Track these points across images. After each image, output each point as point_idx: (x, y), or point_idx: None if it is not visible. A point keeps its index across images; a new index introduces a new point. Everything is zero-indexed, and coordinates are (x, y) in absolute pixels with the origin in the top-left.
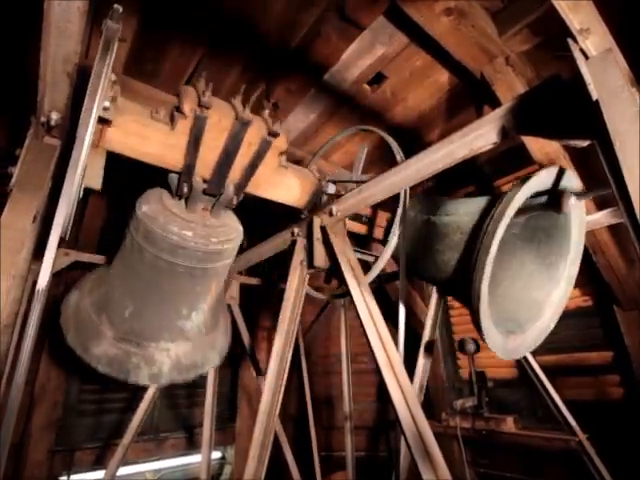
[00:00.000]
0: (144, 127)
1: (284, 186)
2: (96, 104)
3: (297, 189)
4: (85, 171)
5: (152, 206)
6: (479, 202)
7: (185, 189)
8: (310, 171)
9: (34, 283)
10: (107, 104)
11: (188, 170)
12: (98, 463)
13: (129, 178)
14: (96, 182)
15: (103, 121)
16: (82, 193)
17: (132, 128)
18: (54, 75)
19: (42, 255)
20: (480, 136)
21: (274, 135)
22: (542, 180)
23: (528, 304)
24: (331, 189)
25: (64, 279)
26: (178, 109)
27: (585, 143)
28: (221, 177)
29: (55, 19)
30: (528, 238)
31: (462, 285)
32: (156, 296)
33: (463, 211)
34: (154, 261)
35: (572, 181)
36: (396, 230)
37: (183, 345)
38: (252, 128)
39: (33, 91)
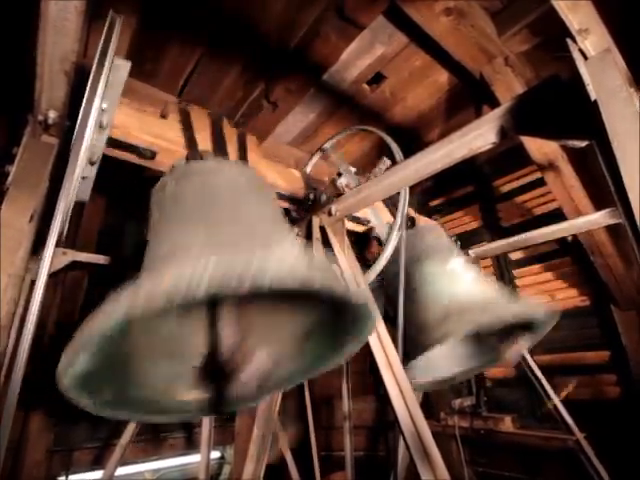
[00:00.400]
0: (140, 113)
1: (276, 173)
2: (97, 100)
3: (287, 177)
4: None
5: (171, 171)
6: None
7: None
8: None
9: (32, 283)
10: (105, 106)
11: (193, 142)
12: (97, 463)
13: (128, 178)
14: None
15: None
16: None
17: (131, 112)
18: (51, 73)
19: (39, 254)
20: (479, 136)
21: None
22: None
23: None
24: (342, 181)
25: (62, 280)
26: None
27: (583, 143)
28: (223, 153)
29: (52, 17)
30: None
31: None
32: (229, 215)
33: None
34: (200, 189)
35: None
36: (396, 230)
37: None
38: (226, 126)
39: (30, 89)
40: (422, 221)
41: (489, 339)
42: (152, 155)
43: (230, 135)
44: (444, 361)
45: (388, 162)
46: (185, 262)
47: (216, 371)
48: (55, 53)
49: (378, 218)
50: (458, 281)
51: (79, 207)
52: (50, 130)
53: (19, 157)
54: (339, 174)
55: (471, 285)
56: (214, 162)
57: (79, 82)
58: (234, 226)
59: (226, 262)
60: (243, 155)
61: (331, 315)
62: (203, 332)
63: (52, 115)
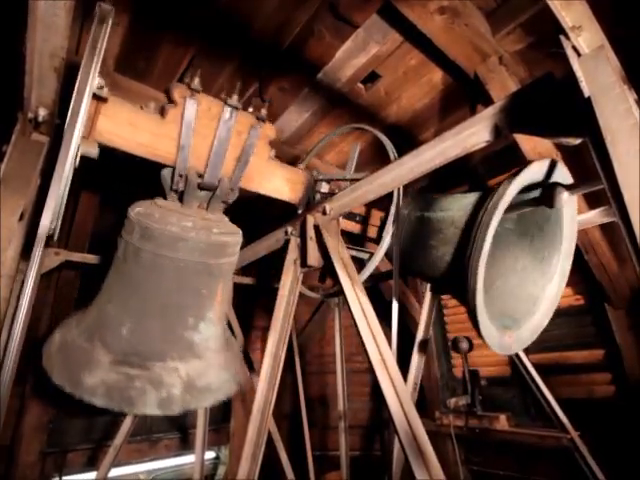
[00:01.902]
0: (135, 115)
1: (276, 179)
2: (87, 91)
3: (289, 183)
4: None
5: (145, 207)
6: (472, 197)
7: (180, 182)
8: (299, 168)
9: (23, 283)
10: (100, 81)
11: (182, 158)
12: (90, 464)
13: (121, 178)
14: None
15: (98, 98)
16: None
17: (123, 117)
18: (41, 70)
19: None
20: (473, 134)
21: (262, 120)
22: (534, 173)
23: (523, 299)
24: (324, 188)
25: (55, 280)
26: (169, 99)
27: (577, 141)
28: (215, 168)
29: (41, 13)
30: (521, 233)
31: (457, 281)
32: (157, 304)
33: (456, 206)
34: (153, 260)
35: (564, 175)
36: (389, 228)
37: (193, 363)
38: (240, 117)
39: (20, 86)
40: None
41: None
42: (142, 158)
43: (241, 128)
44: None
45: (358, 147)
46: (98, 373)
47: None
48: (44, 49)
49: None
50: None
51: (72, 206)
52: (40, 128)
53: (8, 155)
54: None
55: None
56: (176, 233)
57: (71, 80)
58: (156, 323)
59: (111, 400)
60: (245, 158)
61: None
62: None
63: (42, 113)
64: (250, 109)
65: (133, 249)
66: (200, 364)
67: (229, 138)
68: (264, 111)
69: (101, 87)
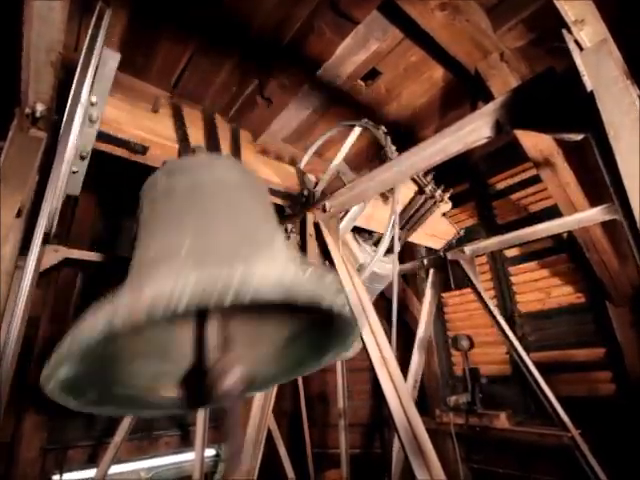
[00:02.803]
0: (132, 107)
1: (270, 168)
2: (84, 93)
3: (282, 173)
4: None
5: (161, 168)
6: None
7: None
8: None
9: (22, 280)
10: (94, 99)
11: (184, 137)
12: (91, 461)
13: (120, 175)
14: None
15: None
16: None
17: (122, 105)
18: (37, 65)
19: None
20: (474, 131)
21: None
22: None
23: None
24: (320, 186)
25: (55, 278)
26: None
27: (579, 137)
28: (216, 148)
29: (37, 6)
30: None
31: None
32: (215, 213)
33: None
34: (190, 187)
35: None
36: (389, 228)
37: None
38: (219, 120)
39: (17, 81)
40: None
41: None
42: (143, 150)
43: (223, 130)
44: None
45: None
46: (167, 275)
47: (201, 373)
48: (40, 43)
49: None
50: None
51: (72, 204)
52: (38, 124)
53: (6, 151)
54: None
55: None
56: (205, 157)
57: (69, 76)
58: (222, 229)
59: (206, 279)
60: (236, 150)
61: (317, 322)
62: (188, 334)
63: (40, 108)
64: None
65: (163, 191)
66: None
67: (217, 130)
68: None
69: (93, 104)
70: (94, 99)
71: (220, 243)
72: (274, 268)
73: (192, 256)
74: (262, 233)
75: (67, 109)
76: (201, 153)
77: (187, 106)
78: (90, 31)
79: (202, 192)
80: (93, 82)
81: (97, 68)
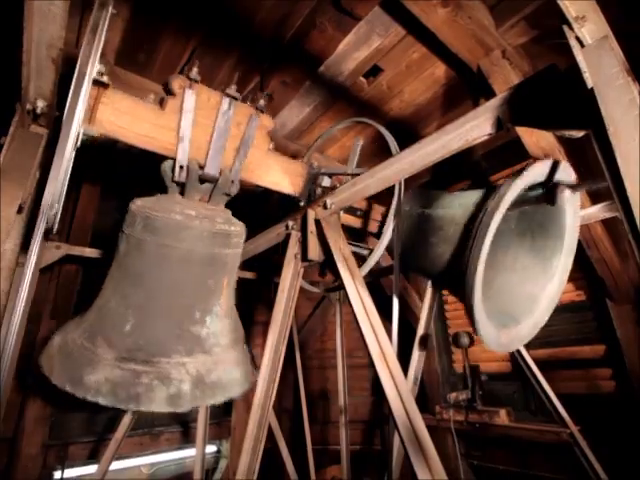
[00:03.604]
0: (135, 106)
1: (276, 171)
2: (87, 76)
3: (288, 175)
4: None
5: (147, 200)
6: (474, 195)
7: (181, 174)
8: (299, 161)
9: (23, 275)
10: (101, 67)
11: (182, 149)
12: (92, 457)
13: (121, 173)
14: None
15: (99, 84)
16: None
17: (123, 106)
18: (38, 61)
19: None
20: (475, 127)
21: (261, 111)
22: (537, 172)
23: (523, 298)
24: (326, 182)
25: (56, 274)
26: (167, 92)
27: (580, 134)
28: (216, 159)
29: (37, 2)
30: (522, 231)
31: (456, 278)
32: (162, 298)
33: (458, 203)
34: (156, 251)
35: (566, 173)
36: (390, 223)
37: (201, 358)
38: (239, 107)
39: (18, 77)
40: None
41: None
42: (142, 149)
43: (240, 119)
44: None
45: (360, 141)
46: (100, 370)
47: None
48: (41, 39)
49: None
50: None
51: (73, 201)
52: (39, 120)
53: (7, 147)
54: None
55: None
56: (181, 221)
57: (70, 73)
58: (161, 318)
59: (115, 398)
60: (244, 149)
61: None
62: None
63: (40, 104)
64: (248, 101)
65: (135, 242)
66: (209, 359)
67: (228, 129)
68: (262, 102)
69: (101, 74)
70: (100, 68)
71: (154, 336)
72: (174, 386)
73: (128, 340)
74: (198, 323)
75: (67, 105)
76: (194, 172)
77: (200, 94)
78: (90, 26)
79: (165, 263)
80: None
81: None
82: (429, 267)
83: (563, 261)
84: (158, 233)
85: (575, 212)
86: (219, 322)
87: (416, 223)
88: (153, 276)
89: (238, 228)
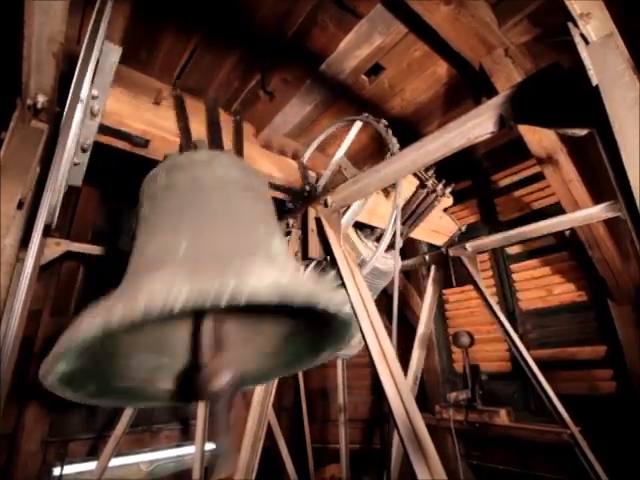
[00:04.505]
0: (135, 100)
1: (269, 165)
2: (85, 85)
3: (280, 168)
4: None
5: (162, 163)
6: None
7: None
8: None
9: (22, 271)
10: (95, 93)
11: (186, 131)
12: (92, 454)
13: (122, 168)
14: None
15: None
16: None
17: (124, 99)
18: (39, 55)
19: None
20: (477, 125)
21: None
22: None
23: None
24: (322, 181)
25: (57, 271)
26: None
27: (584, 132)
28: (218, 142)
29: None
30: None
31: None
32: (215, 214)
33: None
34: (191, 184)
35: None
36: (391, 223)
37: (283, 273)
38: (222, 113)
39: (19, 72)
40: None
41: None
42: (145, 143)
43: (226, 123)
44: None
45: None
46: (163, 280)
47: (195, 371)
48: (42, 34)
49: None
50: None
51: (73, 197)
52: (40, 115)
53: (7, 142)
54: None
55: None
56: (205, 153)
57: (71, 68)
58: (219, 231)
59: (199, 288)
60: (239, 144)
61: (315, 321)
62: (186, 330)
63: (41, 99)
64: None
65: (163, 187)
66: (295, 274)
67: (220, 122)
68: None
69: (95, 97)
70: (95, 92)
71: (216, 247)
72: (269, 274)
73: (188, 261)
74: (260, 234)
75: (68, 101)
76: (202, 148)
77: (189, 99)
78: (91, 23)
79: (201, 190)
80: (94, 75)
81: (98, 61)
82: None
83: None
84: (187, 169)
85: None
86: (285, 248)
87: None
88: (195, 203)
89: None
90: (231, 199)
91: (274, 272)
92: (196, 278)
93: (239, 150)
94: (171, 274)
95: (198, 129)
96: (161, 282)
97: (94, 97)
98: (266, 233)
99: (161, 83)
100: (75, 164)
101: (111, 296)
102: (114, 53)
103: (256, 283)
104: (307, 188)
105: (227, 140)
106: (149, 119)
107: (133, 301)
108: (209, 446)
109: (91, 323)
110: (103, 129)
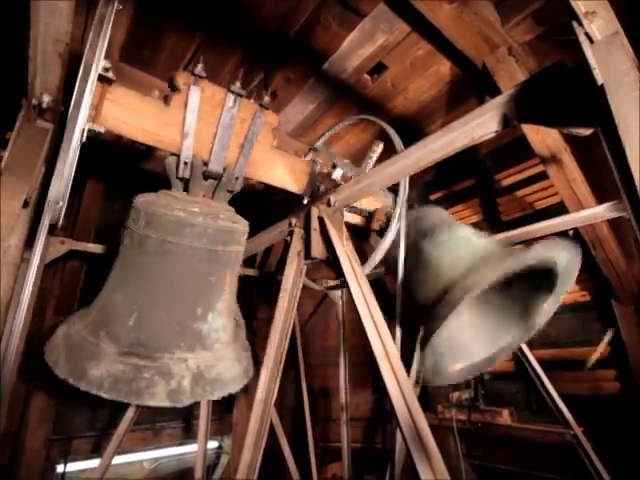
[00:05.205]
0: (140, 102)
1: (280, 168)
2: (93, 71)
3: (292, 173)
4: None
5: (151, 196)
6: (472, 241)
7: (185, 170)
8: (303, 159)
9: (27, 270)
10: (106, 63)
11: (187, 145)
12: (95, 451)
13: (126, 169)
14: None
15: (104, 80)
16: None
17: (128, 103)
18: (45, 55)
19: None
20: (481, 124)
21: (265, 107)
22: (539, 254)
23: (463, 348)
24: (337, 173)
25: (61, 270)
26: (172, 88)
27: (588, 131)
28: (220, 155)
29: None
30: (507, 293)
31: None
32: (165, 293)
33: (455, 240)
34: (159, 247)
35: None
36: (395, 222)
37: (202, 354)
38: (243, 104)
39: (24, 72)
40: None
41: (513, 307)
42: (146, 148)
43: (244, 116)
44: (472, 342)
45: (381, 145)
46: (103, 370)
47: None
48: (48, 34)
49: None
50: (470, 245)
51: (78, 196)
52: (45, 115)
53: (12, 141)
54: (334, 166)
55: (484, 245)
56: (183, 218)
57: (76, 69)
58: (165, 310)
59: (119, 393)
60: (249, 146)
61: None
62: None
63: (46, 99)
64: (252, 99)
65: (139, 238)
66: (210, 356)
67: (233, 125)
68: (267, 98)
69: (106, 69)
70: (106, 64)
71: (156, 327)
72: (190, 367)
73: (131, 335)
74: (200, 319)
75: (73, 101)
76: (197, 168)
77: (209, 87)
78: (95, 22)
79: (168, 259)
80: (94, 86)
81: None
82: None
83: (543, 318)
84: (161, 229)
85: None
86: (220, 318)
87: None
88: (156, 272)
89: (241, 225)
90: (189, 272)
91: (187, 368)
92: (116, 386)
93: (245, 157)
94: (105, 374)
95: (205, 133)
96: (98, 378)
97: (106, 69)
98: (204, 311)
99: (164, 82)
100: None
101: (81, 323)
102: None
103: (156, 396)
104: (309, 187)
105: (235, 145)
106: (150, 128)
107: (80, 381)
108: (211, 444)
109: (60, 372)
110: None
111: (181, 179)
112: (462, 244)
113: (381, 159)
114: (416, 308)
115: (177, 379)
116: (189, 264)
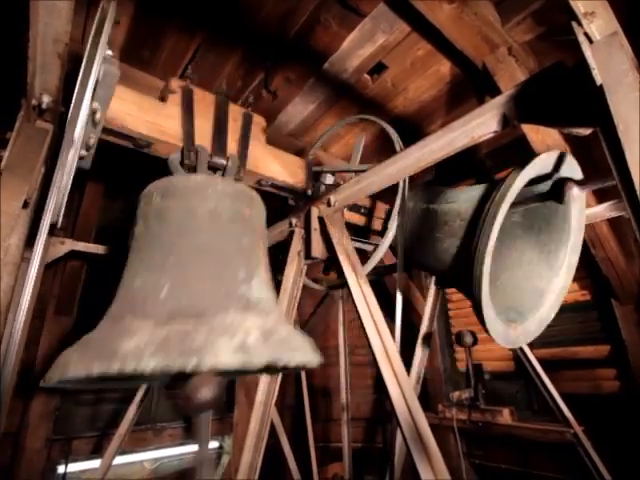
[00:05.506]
0: (139, 98)
1: (277, 164)
2: (88, 92)
3: (289, 167)
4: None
5: (159, 180)
6: (479, 189)
7: (191, 156)
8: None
9: (27, 271)
10: (109, 52)
11: (189, 134)
12: (96, 452)
13: (127, 167)
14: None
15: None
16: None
17: (128, 97)
18: (44, 56)
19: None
20: (481, 124)
21: (249, 109)
22: (542, 165)
23: (529, 292)
24: (329, 180)
25: (61, 270)
26: (168, 92)
27: (588, 131)
28: (221, 146)
29: None
30: (528, 226)
31: (462, 273)
32: (199, 255)
33: (463, 198)
34: (181, 213)
35: (573, 168)
36: (394, 221)
37: (260, 319)
38: (232, 106)
39: (24, 72)
40: None
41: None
42: (148, 145)
43: (235, 118)
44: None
45: (363, 138)
46: (139, 341)
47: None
48: (47, 34)
49: None
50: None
51: (78, 196)
52: (44, 115)
53: (12, 142)
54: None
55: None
56: (200, 180)
57: (76, 68)
58: (201, 274)
59: (165, 361)
60: (244, 144)
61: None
62: None
63: (46, 100)
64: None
65: (156, 212)
66: (268, 321)
67: (227, 121)
68: (251, 99)
69: (112, 55)
70: (96, 105)
71: (195, 294)
72: (240, 332)
73: (165, 313)
74: (239, 279)
75: (72, 103)
76: (203, 156)
77: (199, 90)
78: (95, 25)
79: (191, 223)
80: (95, 88)
81: (99, 74)
82: (435, 263)
83: (569, 257)
84: (180, 195)
85: (581, 209)
86: (265, 288)
87: (420, 219)
88: (183, 239)
89: (258, 196)
90: (219, 234)
91: (247, 327)
92: (165, 349)
93: (244, 151)
94: (145, 341)
95: (203, 127)
96: (135, 348)
97: (94, 111)
98: (247, 276)
99: (164, 82)
100: (80, 158)
101: (100, 327)
102: (114, 73)
103: (221, 352)
104: (310, 187)
105: (232, 140)
106: (152, 120)
107: (109, 360)
108: (212, 444)
109: (76, 369)
110: (106, 130)
111: (188, 168)
112: (471, 193)
113: (381, 159)
114: (445, 273)
115: (240, 335)
116: (218, 225)
